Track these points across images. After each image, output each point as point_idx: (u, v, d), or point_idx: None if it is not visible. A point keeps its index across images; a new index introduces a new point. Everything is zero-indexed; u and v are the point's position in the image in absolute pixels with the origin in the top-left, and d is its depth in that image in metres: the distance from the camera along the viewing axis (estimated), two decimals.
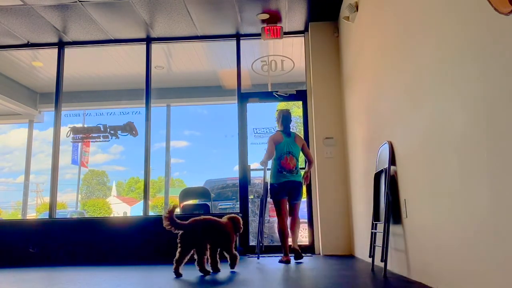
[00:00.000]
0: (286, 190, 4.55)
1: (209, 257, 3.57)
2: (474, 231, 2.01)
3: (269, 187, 4.72)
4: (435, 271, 2.50)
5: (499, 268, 1.79)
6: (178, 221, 3.51)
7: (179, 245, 3.47)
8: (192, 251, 3.50)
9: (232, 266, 3.67)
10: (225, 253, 3.65)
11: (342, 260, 4.53)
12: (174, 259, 3.45)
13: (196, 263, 3.49)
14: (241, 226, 3.82)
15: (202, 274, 3.46)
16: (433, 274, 2.53)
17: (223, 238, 3.61)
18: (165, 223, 3.46)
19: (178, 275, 3.41)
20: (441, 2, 2.34)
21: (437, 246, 2.46)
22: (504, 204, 1.73)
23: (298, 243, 4.61)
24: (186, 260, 3.49)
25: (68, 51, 6.32)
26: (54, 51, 6.27)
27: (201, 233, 3.53)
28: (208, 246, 3.56)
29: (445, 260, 2.36)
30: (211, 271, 3.55)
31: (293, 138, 4.69)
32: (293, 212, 4.61)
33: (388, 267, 3.46)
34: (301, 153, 4.74)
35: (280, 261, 4.42)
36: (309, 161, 4.80)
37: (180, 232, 3.51)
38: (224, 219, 3.76)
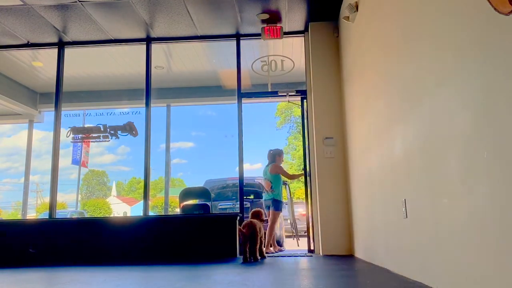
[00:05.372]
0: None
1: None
2: (474, 231, 2.01)
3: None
4: (435, 271, 2.50)
5: (499, 268, 1.79)
6: None
7: None
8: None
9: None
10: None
11: (342, 260, 4.53)
12: None
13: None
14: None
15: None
16: (433, 274, 2.53)
17: None
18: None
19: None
20: (440, 1, 2.34)
21: (437, 246, 2.46)
22: (505, 204, 1.73)
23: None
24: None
25: (68, 51, 6.32)
26: (54, 51, 6.27)
27: None
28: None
29: (445, 260, 2.36)
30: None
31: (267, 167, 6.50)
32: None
33: (388, 267, 3.47)
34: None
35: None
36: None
37: None
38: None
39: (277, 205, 6.26)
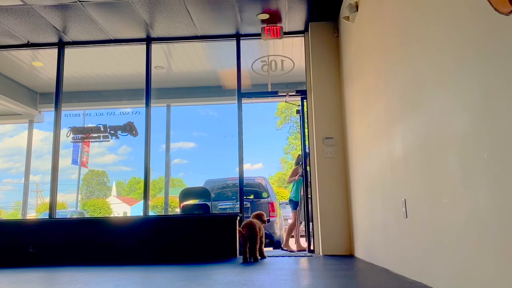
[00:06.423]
0: None
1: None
2: (474, 231, 2.01)
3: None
4: (435, 271, 2.50)
5: (500, 268, 1.79)
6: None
7: None
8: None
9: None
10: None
11: (342, 260, 4.53)
12: None
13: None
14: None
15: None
16: (433, 274, 2.53)
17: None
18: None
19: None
20: (441, 2, 2.34)
21: (437, 246, 2.46)
22: (505, 204, 1.73)
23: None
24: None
25: (68, 51, 6.32)
26: (54, 51, 6.27)
27: None
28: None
29: (445, 260, 2.36)
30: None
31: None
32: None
33: (388, 267, 3.47)
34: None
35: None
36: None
37: None
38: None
39: (292, 205, 6.66)
